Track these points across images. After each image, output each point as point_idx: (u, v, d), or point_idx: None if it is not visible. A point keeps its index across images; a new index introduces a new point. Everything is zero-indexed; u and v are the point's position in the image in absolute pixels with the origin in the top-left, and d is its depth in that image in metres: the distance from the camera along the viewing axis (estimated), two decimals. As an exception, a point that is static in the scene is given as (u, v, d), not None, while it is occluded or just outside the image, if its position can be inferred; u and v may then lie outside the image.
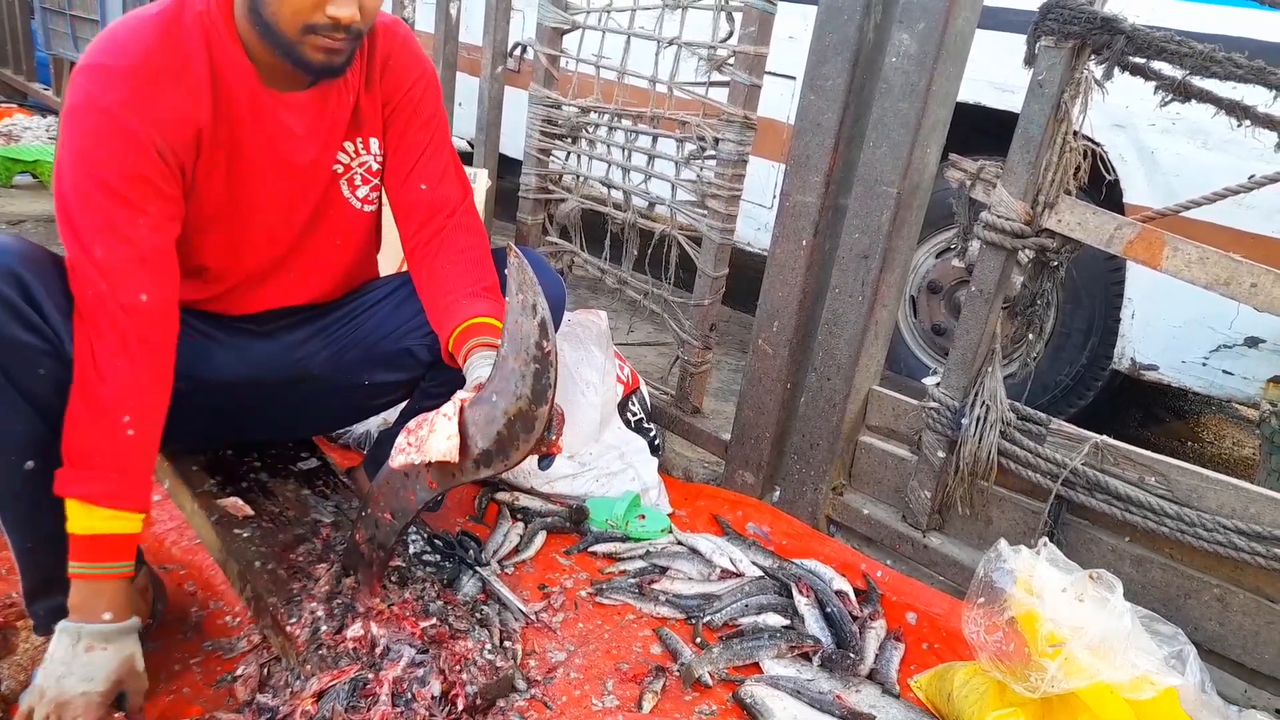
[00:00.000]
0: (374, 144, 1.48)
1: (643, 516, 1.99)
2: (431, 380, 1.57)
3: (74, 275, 1.17)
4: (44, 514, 1.18)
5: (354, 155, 1.46)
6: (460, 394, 1.23)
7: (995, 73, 2.61)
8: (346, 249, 1.55)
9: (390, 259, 1.74)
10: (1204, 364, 2.54)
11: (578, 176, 2.64)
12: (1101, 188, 2.12)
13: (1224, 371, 2.50)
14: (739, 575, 1.82)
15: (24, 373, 1.13)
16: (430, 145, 1.50)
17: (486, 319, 1.39)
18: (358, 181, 1.49)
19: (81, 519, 1.16)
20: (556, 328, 1.22)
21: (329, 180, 1.45)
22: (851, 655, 1.58)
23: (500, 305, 1.41)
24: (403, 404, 1.70)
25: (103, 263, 1.16)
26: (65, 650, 1.14)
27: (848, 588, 1.78)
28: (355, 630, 1.32)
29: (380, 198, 1.55)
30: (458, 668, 1.31)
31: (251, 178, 1.35)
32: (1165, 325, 2.59)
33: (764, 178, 3.33)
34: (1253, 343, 2.43)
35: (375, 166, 1.50)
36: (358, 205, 1.50)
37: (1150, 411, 3.97)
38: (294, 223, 1.45)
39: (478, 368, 1.29)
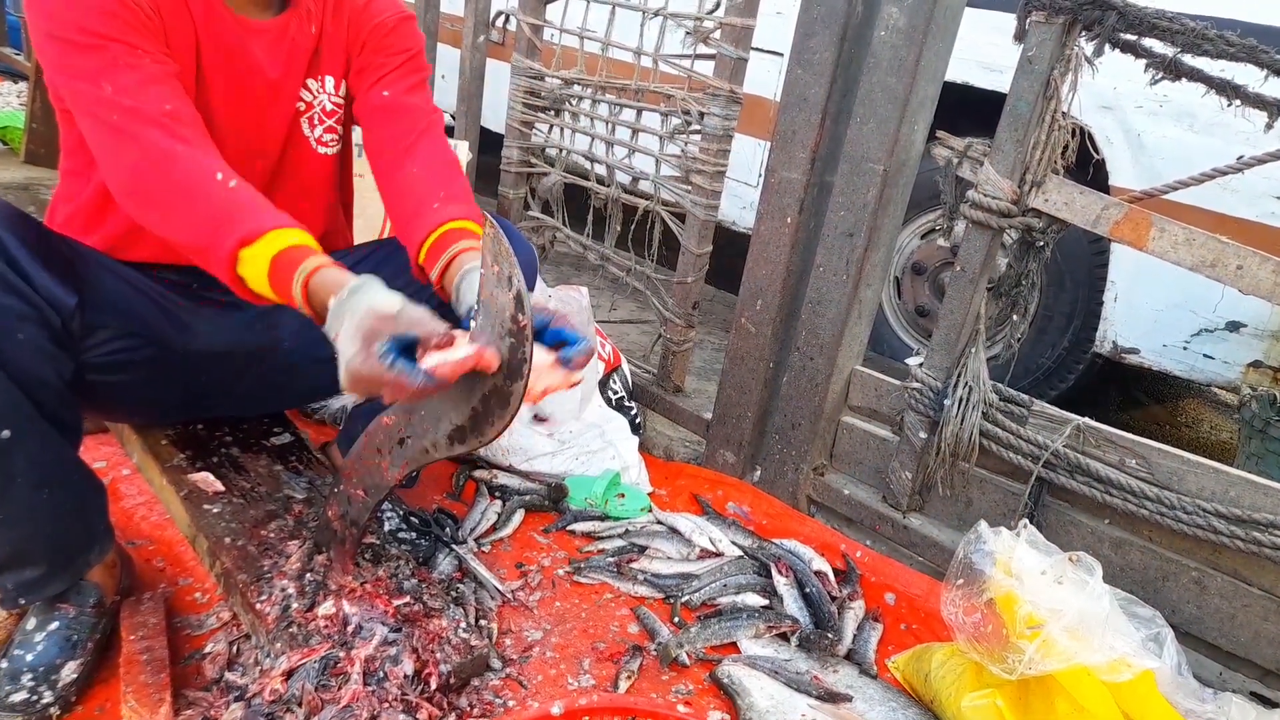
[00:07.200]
0: (329, 82, 1.44)
1: (622, 495, 1.97)
2: None
3: (92, 107, 1.13)
4: (15, 486, 1.14)
5: (315, 94, 1.43)
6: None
7: (983, 52, 2.59)
8: (311, 199, 1.51)
9: (368, 233, 1.70)
10: (1185, 348, 2.54)
11: (560, 150, 2.60)
12: (1088, 169, 2.11)
13: (1205, 355, 2.51)
14: (718, 555, 1.81)
15: (1, 337, 1.08)
16: (399, 69, 1.44)
17: (465, 223, 1.29)
18: (316, 121, 1.45)
19: (258, 255, 1.08)
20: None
21: (292, 116, 1.42)
22: (829, 636, 1.57)
23: (474, 208, 1.34)
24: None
25: (116, 90, 1.12)
26: (341, 341, 1.01)
27: (827, 568, 1.77)
28: (327, 608, 1.30)
29: (337, 140, 1.51)
30: (431, 646, 1.30)
31: (218, 101, 1.32)
32: (1147, 309, 2.59)
33: (749, 155, 3.30)
34: (1234, 327, 2.44)
35: (330, 106, 1.46)
36: (314, 145, 1.46)
37: (1129, 395, 3.99)
38: (263, 156, 1.41)
39: (471, 286, 1.16)
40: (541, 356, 1.05)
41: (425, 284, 1.32)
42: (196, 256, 1.14)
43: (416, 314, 1.01)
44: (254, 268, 1.09)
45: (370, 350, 0.97)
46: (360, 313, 0.99)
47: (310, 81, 1.42)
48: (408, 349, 0.99)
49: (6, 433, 1.10)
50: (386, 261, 1.50)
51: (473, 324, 1.07)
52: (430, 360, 0.98)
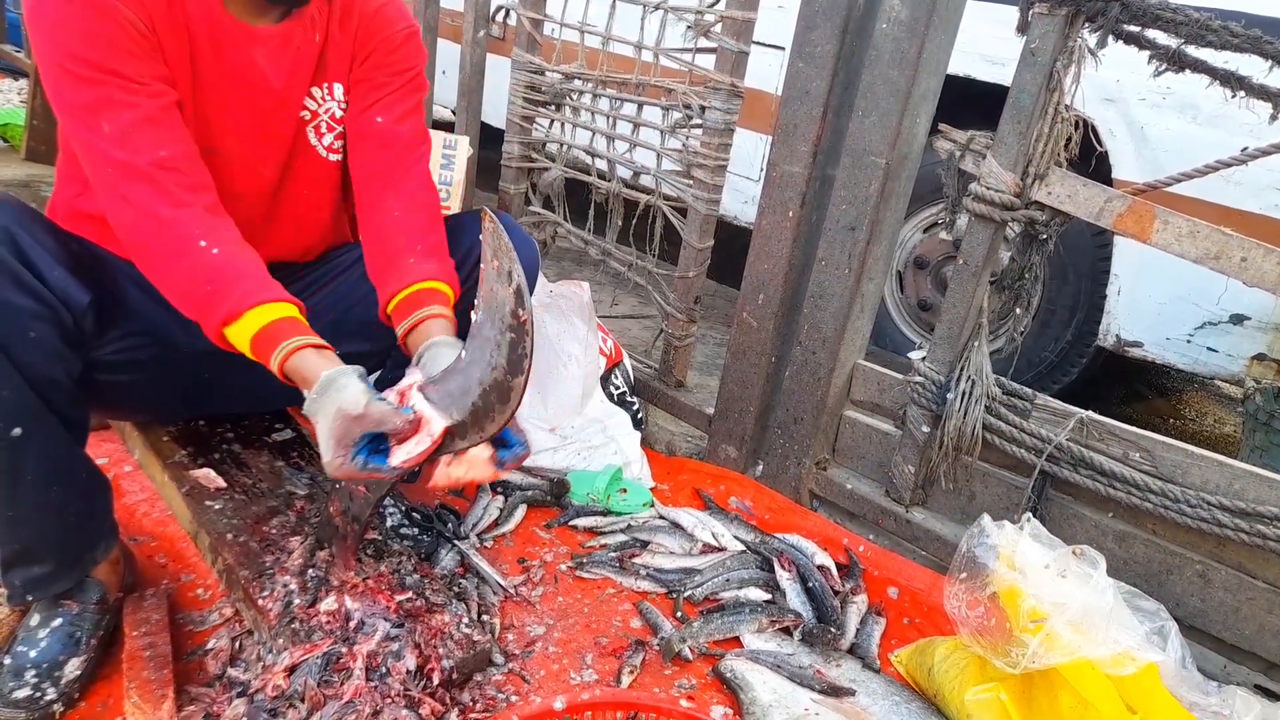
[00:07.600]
0: (338, 90, 1.44)
1: (624, 490, 1.97)
2: (401, 352, 1.54)
3: (89, 155, 1.17)
4: (27, 483, 1.15)
5: (320, 102, 1.43)
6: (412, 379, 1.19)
7: (986, 45, 2.58)
8: (319, 204, 1.52)
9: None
10: (1188, 341, 2.53)
11: (561, 145, 2.59)
12: (1091, 162, 2.10)
13: (1208, 349, 2.50)
14: (721, 550, 1.80)
15: (13, 336, 1.08)
16: (399, 91, 1.45)
17: (436, 284, 1.35)
18: (324, 129, 1.45)
19: (240, 334, 1.16)
20: (531, 290, 1.18)
21: (298, 125, 1.42)
22: (832, 630, 1.57)
23: (448, 264, 1.40)
24: (375, 374, 1.67)
25: (112, 134, 1.15)
26: (320, 439, 1.11)
27: (829, 562, 1.77)
28: (329, 604, 1.30)
29: (345, 148, 1.51)
30: (434, 642, 1.29)
31: (219, 109, 1.32)
32: (1151, 302, 2.58)
33: (751, 150, 3.29)
34: (1237, 320, 2.43)
35: (339, 113, 1.46)
36: (323, 153, 1.47)
37: (1132, 388, 3.98)
38: (269, 165, 1.41)
39: (435, 359, 1.23)
40: (480, 450, 1.15)
41: (391, 329, 1.38)
42: (192, 320, 1.21)
43: (379, 412, 1.09)
44: (239, 343, 1.18)
45: (345, 454, 1.09)
46: (330, 415, 1.08)
47: (315, 90, 1.41)
48: (379, 435, 1.12)
49: (18, 430, 1.11)
50: None
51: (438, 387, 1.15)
52: (398, 456, 1.12)
